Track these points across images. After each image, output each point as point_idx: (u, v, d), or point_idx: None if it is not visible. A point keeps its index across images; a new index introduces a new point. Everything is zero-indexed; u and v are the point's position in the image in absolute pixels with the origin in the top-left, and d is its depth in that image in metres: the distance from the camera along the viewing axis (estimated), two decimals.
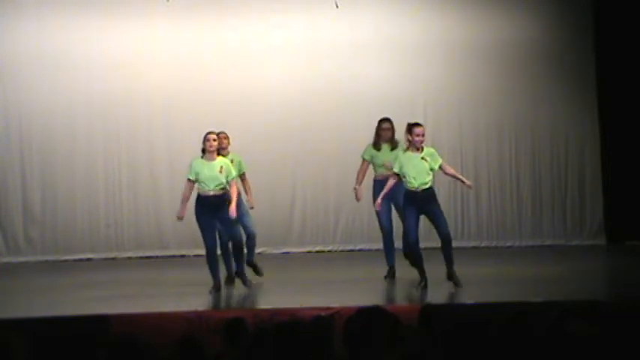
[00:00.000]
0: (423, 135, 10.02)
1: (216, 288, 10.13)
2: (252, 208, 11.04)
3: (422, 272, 10.10)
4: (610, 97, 14.36)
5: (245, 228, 10.91)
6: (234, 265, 10.47)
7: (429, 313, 6.12)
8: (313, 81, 14.04)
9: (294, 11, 14.08)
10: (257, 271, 11.08)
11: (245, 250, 10.63)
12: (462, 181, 10.37)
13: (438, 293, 9.77)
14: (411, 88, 14.17)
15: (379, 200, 10.32)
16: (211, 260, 10.18)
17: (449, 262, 10.03)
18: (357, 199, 11.20)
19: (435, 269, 10.05)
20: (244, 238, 10.70)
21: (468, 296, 8.98)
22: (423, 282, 10.06)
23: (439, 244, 10.14)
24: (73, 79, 13.65)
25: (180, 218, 10.27)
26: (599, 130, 14.53)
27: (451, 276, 10.03)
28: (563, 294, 9.42)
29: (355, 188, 11.15)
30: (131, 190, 13.88)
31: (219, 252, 10.42)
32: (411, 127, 10.08)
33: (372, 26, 14.16)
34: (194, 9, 13.82)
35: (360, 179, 11.18)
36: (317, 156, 14.08)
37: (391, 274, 10.99)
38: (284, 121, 13.97)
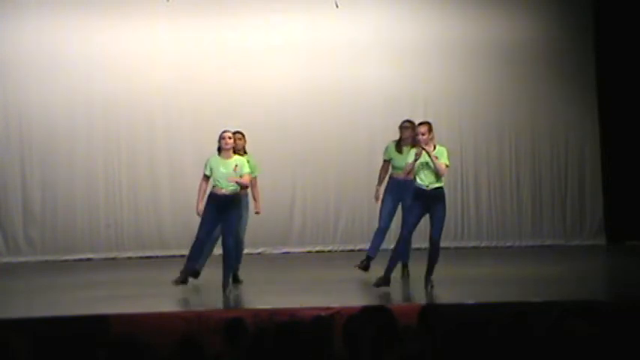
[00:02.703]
0: (424, 134, 9.98)
1: (183, 277, 9.97)
2: (257, 213, 10.96)
3: (388, 271, 10.05)
4: (610, 97, 14.37)
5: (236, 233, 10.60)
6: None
7: (429, 313, 6.12)
8: (313, 81, 14.04)
9: (294, 11, 14.08)
10: (235, 281, 10.66)
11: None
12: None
13: (437, 293, 9.77)
14: (411, 88, 14.17)
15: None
16: (194, 249, 10.08)
17: (429, 264, 10.02)
18: (376, 198, 11.03)
19: (437, 269, 10.04)
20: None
21: (468, 296, 8.97)
22: (379, 281, 10.02)
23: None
24: (73, 79, 13.65)
25: (199, 214, 10.09)
26: (599, 130, 14.53)
27: (426, 277, 10.03)
28: (563, 294, 9.42)
29: (377, 188, 11.01)
30: (131, 190, 13.88)
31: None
32: (416, 127, 10.15)
33: (372, 26, 14.17)
34: (194, 9, 13.82)
35: (381, 178, 11.08)
36: (317, 156, 14.08)
37: (365, 265, 10.97)
38: (284, 121, 13.97)
